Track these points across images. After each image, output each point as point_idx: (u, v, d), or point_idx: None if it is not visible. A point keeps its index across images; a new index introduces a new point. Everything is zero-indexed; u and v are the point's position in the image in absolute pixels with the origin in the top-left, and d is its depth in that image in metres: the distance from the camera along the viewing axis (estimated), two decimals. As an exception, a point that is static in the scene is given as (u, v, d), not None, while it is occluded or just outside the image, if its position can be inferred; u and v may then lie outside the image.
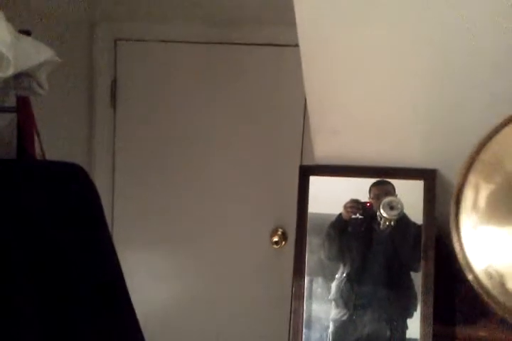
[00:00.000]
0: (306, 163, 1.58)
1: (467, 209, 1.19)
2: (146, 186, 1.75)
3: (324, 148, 1.55)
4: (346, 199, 1.56)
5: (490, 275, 1.15)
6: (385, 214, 1.50)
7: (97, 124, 1.70)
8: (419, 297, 1.44)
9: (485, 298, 1.14)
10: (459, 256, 1.18)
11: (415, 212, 1.47)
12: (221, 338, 1.66)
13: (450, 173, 1.43)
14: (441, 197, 1.40)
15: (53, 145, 1.17)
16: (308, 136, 1.59)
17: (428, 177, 1.45)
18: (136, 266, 1.01)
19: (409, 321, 1.51)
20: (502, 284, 1.15)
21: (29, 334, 0.77)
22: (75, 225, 0.88)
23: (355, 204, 1.55)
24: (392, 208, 1.49)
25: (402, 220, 1.49)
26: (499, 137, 1.17)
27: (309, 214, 1.57)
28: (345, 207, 1.55)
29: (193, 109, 1.71)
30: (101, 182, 0.97)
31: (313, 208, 1.57)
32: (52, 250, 0.83)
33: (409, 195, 1.50)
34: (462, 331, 1.39)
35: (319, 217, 1.59)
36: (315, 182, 1.57)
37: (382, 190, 1.54)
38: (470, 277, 1.16)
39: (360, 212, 1.54)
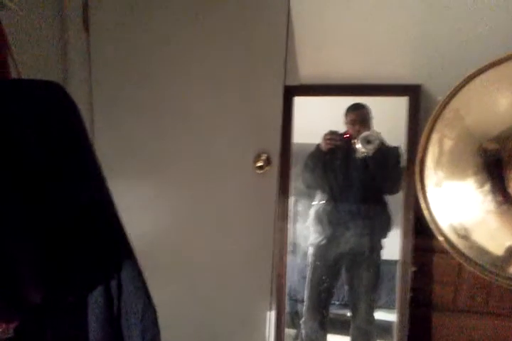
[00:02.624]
0: (289, 83, 1.55)
1: (431, 167, 1.20)
2: (125, 111, 1.70)
3: (309, 67, 1.52)
4: (332, 119, 1.57)
5: (455, 230, 1.19)
6: (362, 149, 1.52)
7: (69, 48, 1.62)
8: (400, 215, 1.50)
9: (452, 253, 1.18)
10: (425, 213, 1.20)
11: (397, 130, 1.49)
12: (205, 260, 1.71)
13: (434, 88, 1.42)
14: (425, 114, 1.40)
15: (26, 69, 1.11)
16: (291, 57, 1.54)
17: (412, 92, 1.44)
18: (119, 193, 1.00)
19: (384, 241, 1.59)
20: (467, 237, 1.19)
21: (17, 254, 0.78)
22: (57, 145, 0.85)
23: (333, 136, 1.55)
24: (369, 142, 1.51)
25: (380, 146, 1.51)
26: (460, 95, 1.16)
27: (293, 143, 1.59)
28: (324, 138, 1.56)
29: (169, 28, 1.62)
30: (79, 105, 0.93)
31: (297, 136, 1.58)
32: (36, 171, 0.81)
33: (393, 112, 1.50)
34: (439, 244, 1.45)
35: (302, 147, 1.60)
36: (299, 103, 1.56)
37: (357, 115, 1.55)
38: (437, 235, 1.19)
39: (339, 143, 1.55)
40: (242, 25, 1.56)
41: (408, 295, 1.50)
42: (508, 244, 1.18)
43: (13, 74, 1.03)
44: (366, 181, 1.58)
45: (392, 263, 1.56)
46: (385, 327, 1.60)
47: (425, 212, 1.23)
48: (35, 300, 0.78)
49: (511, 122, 1.15)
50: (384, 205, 1.58)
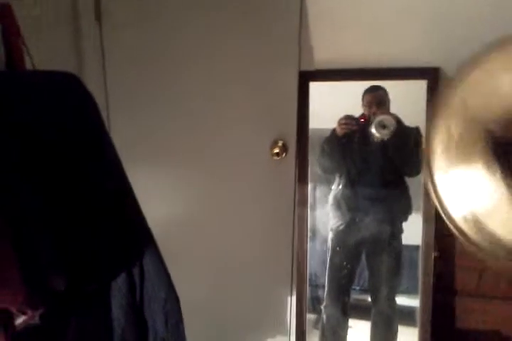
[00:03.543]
0: (304, 69, 1.53)
1: (439, 154, 1.18)
2: (141, 99, 1.71)
3: (324, 51, 1.49)
4: (349, 104, 1.54)
5: (467, 221, 1.16)
6: (377, 134, 1.50)
7: (82, 37, 1.63)
8: (421, 199, 1.48)
9: (463, 240, 1.16)
10: (435, 201, 1.18)
11: (416, 114, 1.46)
12: (225, 248, 1.72)
13: (452, 71, 1.39)
14: (444, 96, 1.38)
15: (39, 60, 1.12)
16: (306, 42, 1.52)
17: (431, 76, 1.41)
18: (136, 180, 1.00)
19: (404, 225, 1.58)
20: (480, 228, 1.16)
21: (40, 242, 0.79)
22: (75, 135, 0.86)
23: (349, 121, 1.53)
24: (384, 127, 1.48)
25: (398, 127, 1.49)
26: (466, 79, 1.13)
27: (309, 129, 1.57)
28: (339, 123, 1.54)
29: (181, 16, 1.62)
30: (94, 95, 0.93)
31: (313, 121, 1.56)
32: (55, 161, 0.82)
33: (412, 95, 1.48)
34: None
35: (318, 132, 1.58)
36: (315, 88, 1.53)
37: (374, 97, 1.52)
38: (449, 223, 1.17)
39: (355, 128, 1.53)
40: (255, 10, 1.54)
41: (431, 281, 1.49)
42: None
43: (28, 65, 1.04)
44: (385, 164, 1.56)
45: (413, 248, 1.54)
46: (407, 312, 1.60)
47: (435, 201, 1.21)
48: (59, 287, 0.79)
49: None
50: (404, 188, 1.56)
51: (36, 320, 0.77)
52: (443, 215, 1.18)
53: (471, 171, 1.16)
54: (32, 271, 0.74)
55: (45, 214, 0.78)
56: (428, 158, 1.19)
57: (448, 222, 1.18)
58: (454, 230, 1.17)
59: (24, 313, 0.74)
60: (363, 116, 1.53)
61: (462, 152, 1.17)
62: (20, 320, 0.74)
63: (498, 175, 1.15)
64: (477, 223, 1.16)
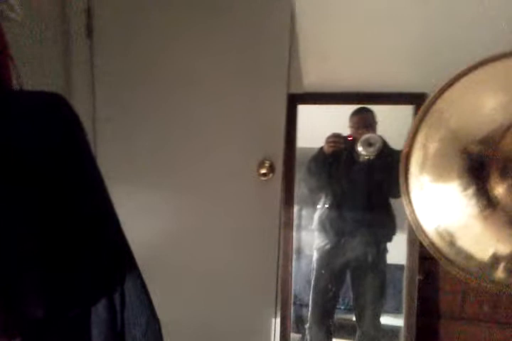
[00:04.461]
0: (293, 91, 1.54)
1: (416, 171, 1.19)
2: (129, 118, 1.70)
3: (313, 75, 1.51)
4: (337, 127, 1.55)
5: (441, 235, 1.17)
6: (363, 152, 1.50)
7: (72, 55, 1.62)
8: (406, 221, 1.48)
9: (439, 259, 1.16)
10: (410, 218, 1.18)
11: (402, 138, 1.46)
12: (210, 268, 1.71)
13: (440, 97, 1.41)
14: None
15: (28, 78, 1.11)
16: (295, 64, 1.53)
17: (417, 101, 1.42)
18: (122, 200, 0.99)
19: (389, 244, 1.58)
20: (453, 243, 1.17)
21: (19, 268, 0.77)
22: (59, 157, 0.85)
23: (337, 139, 1.54)
24: (370, 145, 1.49)
25: (383, 149, 1.50)
26: (444, 97, 1.15)
27: (296, 151, 1.57)
28: (327, 141, 1.55)
29: (172, 35, 1.62)
30: (81, 115, 0.92)
31: (300, 141, 1.57)
32: (36, 183, 0.81)
33: (399, 120, 1.49)
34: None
35: (305, 151, 1.59)
36: (303, 111, 1.55)
37: (361, 118, 1.53)
38: (422, 239, 1.17)
39: (342, 146, 1.54)
40: (246, 32, 1.55)
41: (415, 303, 1.49)
42: (492, 249, 1.16)
43: (15, 83, 1.03)
44: (370, 185, 1.57)
45: (398, 267, 1.54)
46: (392, 332, 1.59)
47: (411, 217, 1.21)
48: (38, 314, 0.77)
49: (495, 124, 1.13)
50: (389, 209, 1.56)
51: (13, 349, 0.75)
52: (416, 231, 1.18)
53: (446, 188, 1.17)
54: (9, 299, 0.72)
55: (23, 238, 0.77)
56: (404, 174, 1.20)
57: (422, 237, 1.18)
58: (428, 246, 1.17)
59: (0, 343, 0.72)
60: (350, 135, 1.54)
61: (438, 169, 1.18)
62: (-5, 350, 0.72)
63: (471, 192, 1.16)
64: (449, 238, 1.17)
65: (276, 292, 1.64)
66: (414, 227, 1.21)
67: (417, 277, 1.48)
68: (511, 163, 1.14)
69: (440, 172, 1.18)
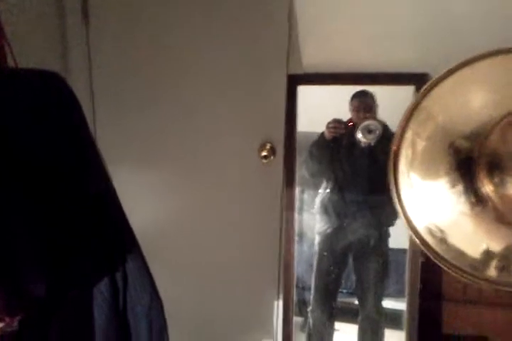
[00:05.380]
0: (292, 72, 1.53)
1: (405, 168, 1.18)
2: (128, 100, 1.69)
3: (313, 55, 1.49)
4: (337, 108, 1.54)
5: (432, 234, 1.17)
6: (363, 139, 1.50)
7: (69, 39, 1.61)
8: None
9: (430, 255, 1.16)
10: (401, 215, 1.18)
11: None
12: (211, 250, 1.71)
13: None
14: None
15: (25, 58, 1.10)
16: (294, 45, 1.52)
17: (419, 81, 1.40)
18: (123, 182, 0.99)
19: (391, 229, 1.58)
20: (444, 242, 1.17)
21: (20, 247, 0.77)
22: (57, 136, 0.84)
23: (337, 125, 1.53)
24: (369, 132, 1.49)
25: (384, 133, 1.49)
26: (431, 95, 1.14)
27: (297, 132, 1.56)
28: (327, 127, 1.54)
29: (170, 19, 1.61)
30: (79, 98, 0.91)
31: (301, 125, 1.56)
32: (35, 163, 0.80)
33: (399, 101, 1.47)
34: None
35: (306, 135, 1.58)
36: (303, 91, 1.53)
37: (362, 102, 1.52)
38: (413, 237, 1.17)
39: (343, 131, 1.53)
40: (244, 14, 1.54)
41: (418, 286, 1.49)
42: (483, 245, 1.16)
43: (10, 65, 1.02)
44: (372, 168, 1.56)
45: (400, 251, 1.54)
46: (394, 315, 1.60)
47: (401, 215, 1.21)
48: (39, 293, 0.77)
49: (482, 120, 1.12)
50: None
51: (15, 326, 0.75)
52: (408, 227, 1.19)
53: (435, 185, 1.16)
54: (10, 277, 0.72)
55: (24, 218, 0.76)
56: (393, 172, 1.19)
57: (413, 235, 1.18)
58: (419, 243, 1.18)
59: (1, 320, 0.72)
60: (351, 120, 1.53)
61: (426, 166, 1.18)
62: (-2, 327, 0.73)
63: (460, 189, 1.16)
64: (441, 235, 1.17)
65: (279, 275, 1.64)
66: (405, 225, 1.21)
67: (420, 259, 1.48)
68: (498, 159, 1.14)
69: (428, 169, 1.18)
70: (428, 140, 1.16)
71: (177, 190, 1.71)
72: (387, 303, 1.63)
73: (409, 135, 1.16)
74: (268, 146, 1.60)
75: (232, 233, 1.69)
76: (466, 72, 1.09)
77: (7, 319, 0.73)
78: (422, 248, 1.18)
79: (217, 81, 1.61)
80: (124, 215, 0.94)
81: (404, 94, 1.44)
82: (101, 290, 0.92)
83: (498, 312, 1.48)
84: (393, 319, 1.61)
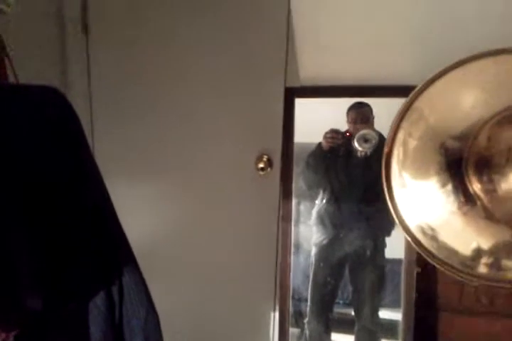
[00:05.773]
0: (290, 85, 1.54)
1: (396, 168, 1.20)
2: (126, 112, 1.70)
3: (310, 68, 1.50)
4: (334, 121, 1.55)
5: (424, 233, 1.18)
6: (359, 148, 1.51)
7: (69, 52, 1.62)
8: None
9: (423, 253, 1.17)
10: (394, 215, 1.20)
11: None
12: (208, 262, 1.71)
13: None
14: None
15: (23, 74, 1.10)
16: (292, 58, 1.53)
17: (415, 94, 1.42)
18: (119, 194, 1.00)
19: (387, 239, 1.58)
20: (436, 240, 1.18)
21: (16, 260, 0.77)
22: (55, 151, 0.85)
23: (335, 135, 1.54)
24: (366, 141, 1.49)
25: (381, 142, 1.49)
26: (423, 96, 1.16)
27: (294, 145, 1.55)
28: (325, 137, 1.55)
29: (169, 30, 1.62)
30: (78, 110, 0.92)
31: (298, 136, 1.56)
32: (31, 176, 0.81)
33: (395, 114, 1.48)
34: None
35: (303, 146, 1.59)
36: (300, 104, 1.53)
37: (359, 113, 1.53)
38: (406, 235, 1.18)
39: (340, 141, 1.54)
40: (242, 25, 1.55)
41: (413, 297, 1.49)
42: (473, 243, 1.17)
43: (11, 78, 1.02)
44: (368, 179, 1.56)
45: (396, 261, 1.55)
46: (390, 325, 1.59)
47: (393, 213, 1.22)
48: (36, 306, 0.77)
49: (472, 121, 1.14)
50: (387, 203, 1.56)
51: (11, 341, 0.75)
52: (400, 226, 1.20)
53: (425, 185, 1.18)
54: (6, 291, 0.72)
55: (21, 231, 0.76)
56: (386, 170, 1.20)
57: (405, 234, 1.19)
58: (411, 242, 1.18)
59: (-2, 336, 0.72)
60: (348, 130, 1.54)
61: (417, 166, 1.19)
62: (-7, 343, 0.72)
63: (449, 189, 1.17)
64: (432, 233, 1.17)
65: (275, 286, 1.64)
66: (397, 224, 1.22)
67: (415, 270, 1.48)
68: (487, 158, 1.15)
69: (419, 168, 1.19)
70: (419, 140, 1.17)
71: (173, 201, 1.71)
72: (384, 314, 1.62)
73: (401, 135, 1.18)
74: (265, 158, 1.61)
75: (229, 244, 1.69)
76: (457, 73, 1.11)
77: (3, 334, 0.73)
78: (415, 246, 1.19)
79: (215, 93, 1.62)
80: (121, 228, 0.94)
81: (399, 106, 1.44)
82: (97, 304, 0.91)
83: (494, 322, 1.47)
84: (389, 329, 1.60)
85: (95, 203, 0.90)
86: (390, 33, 1.45)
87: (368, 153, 1.51)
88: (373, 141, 1.49)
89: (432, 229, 1.19)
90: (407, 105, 1.16)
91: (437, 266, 1.18)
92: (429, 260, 1.18)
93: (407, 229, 1.20)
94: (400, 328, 1.53)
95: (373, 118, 1.52)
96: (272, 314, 1.68)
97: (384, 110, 1.49)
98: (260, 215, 1.63)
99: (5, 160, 0.77)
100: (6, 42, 1.05)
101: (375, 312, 1.63)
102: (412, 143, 1.18)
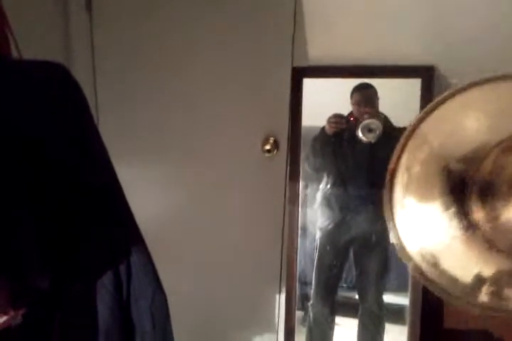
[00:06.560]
0: (297, 65, 1.51)
1: (400, 190, 1.18)
2: (131, 92, 1.68)
3: (318, 48, 1.48)
4: (342, 101, 1.52)
5: (424, 257, 1.17)
6: (364, 138, 1.49)
7: (72, 29, 1.60)
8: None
9: (423, 282, 1.16)
10: (395, 240, 1.18)
11: (409, 113, 1.44)
12: (214, 243, 1.71)
13: (447, 69, 1.39)
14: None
15: (27, 50, 1.09)
16: (299, 37, 1.50)
17: (425, 74, 1.40)
18: (127, 175, 0.99)
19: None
20: (436, 266, 1.16)
21: (24, 240, 0.76)
22: (60, 127, 0.83)
23: (338, 119, 1.51)
24: (370, 131, 1.47)
25: (386, 127, 1.47)
26: (428, 120, 1.14)
27: (302, 126, 1.54)
28: (328, 121, 1.52)
29: (178, 14, 1.59)
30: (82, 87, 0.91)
31: (306, 119, 1.54)
32: (38, 154, 0.79)
33: (406, 95, 1.46)
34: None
35: (309, 129, 1.56)
36: (308, 85, 1.51)
37: (363, 95, 1.50)
38: (407, 262, 1.17)
39: (344, 126, 1.51)
40: (250, 4, 1.53)
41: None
42: (475, 271, 1.16)
43: (14, 55, 1.00)
44: (374, 163, 1.55)
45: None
46: (396, 310, 1.60)
47: (394, 238, 1.21)
48: (43, 286, 0.77)
49: (476, 146, 1.13)
50: (393, 187, 1.55)
51: (19, 319, 0.74)
52: (401, 252, 1.18)
53: (429, 208, 1.16)
54: (14, 270, 0.72)
55: (28, 210, 0.75)
56: (389, 192, 1.19)
57: (405, 261, 1.18)
58: (412, 271, 1.18)
59: (6, 313, 0.72)
60: (351, 114, 1.51)
61: (421, 189, 1.17)
62: (1, 320, 0.72)
63: (452, 212, 1.16)
64: (433, 260, 1.16)
65: (281, 268, 1.64)
66: (397, 247, 1.20)
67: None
68: (490, 186, 1.14)
69: (423, 191, 1.18)
70: (424, 163, 1.16)
71: (180, 183, 1.71)
72: (389, 298, 1.62)
73: (405, 159, 1.17)
74: (271, 140, 1.59)
75: (235, 227, 1.69)
76: (461, 98, 1.10)
77: (11, 312, 0.72)
78: (414, 272, 1.18)
79: (221, 74, 1.60)
80: (129, 208, 0.93)
81: (410, 87, 1.43)
82: (104, 283, 0.91)
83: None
84: (395, 313, 1.60)
85: (103, 183, 0.89)
86: (398, 12, 1.43)
87: (373, 142, 1.49)
88: (377, 131, 1.47)
89: (433, 255, 1.18)
90: (412, 129, 1.15)
91: (436, 294, 1.17)
92: (430, 288, 1.16)
93: (406, 254, 1.18)
94: (407, 312, 1.53)
95: (378, 99, 1.49)
96: (278, 297, 1.68)
97: (393, 91, 1.47)
98: (266, 197, 1.63)
99: (7, 138, 0.76)
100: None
101: (379, 296, 1.63)
102: (416, 167, 1.17)
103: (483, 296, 1.13)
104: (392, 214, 1.18)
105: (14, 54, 1.00)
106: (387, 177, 1.18)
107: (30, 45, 1.10)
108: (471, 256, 1.16)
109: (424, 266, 1.16)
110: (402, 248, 1.17)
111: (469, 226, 1.15)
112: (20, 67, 0.86)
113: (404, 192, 1.18)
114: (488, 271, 1.14)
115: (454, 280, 1.15)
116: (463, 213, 1.15)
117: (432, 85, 1.39)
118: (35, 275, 0.77)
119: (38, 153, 0.79)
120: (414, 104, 1.42)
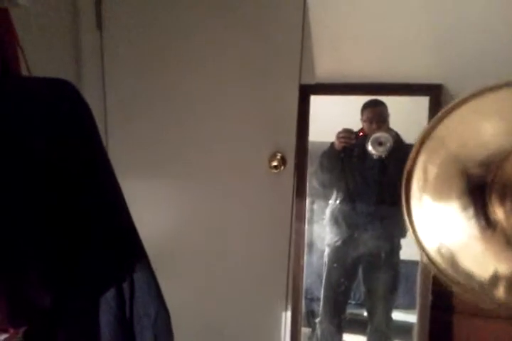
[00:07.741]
0: (305, 82, 1.52)
1: (417, 190, 1.18)
2: (138, 108, 1.70)
3: (326, 65, 1.48)
4: (350, 118, 1.52)
5: (442, 255, 1.16)
6: (374, 151, 1.48)
7: (83, 47, 1.62)
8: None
9: (440, 277, 1.16)
10: (412, 237, 1.18)
11: (417, 131, 1.43)
12: (221, 260, 1.71)
13: (455, 88, 1.39)
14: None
15: (37, 68, 1.10)
16: (307, 54, 1.51)
17: (433, 92, 1.39)
18: (132, 191, 0.99)
19: (403, 240, 1.55)
20: (454, 262, 1.16)
21: (25, 257, 0.76)
22: (67, 145, 0.84)
23: (347, 134, 1.50)
24: (380, 144, 1.46)
25: (396, 144, 1.46)
26: (444, 123, 1.14)
27: (308, 143, 1.54)
28: (337, 137, 1.52)
29: (183, 25, 1.61)
30: (92, 105, 0.91)
31: (312, 134, 1.54)
32: (46, 171, 0.80)
33: (414, 112, 1.46)
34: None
35: (317, 145, 1.56)
36: (315, 101, 1.51)
37: (374, 112, 1.49)
38: (424, 258, 1.17)
39: (353, 142, 1.50)
40: (258, 22, 1.54)
41: (429, 298, 1.47)
42: (492, 268, 1.15)
43: (24, 73, 1.02)
44: (383, 179, 1.54)
45: (412, 263, 1.52)
46: (403, 328, 1.57)
47: (412, 235, 1.21)
48: (45, 303, 0.77)
49: (496, 148, 1.13)
50: (402, 204, 1.54)
51: (19, 337, 0.74)
52: (418, 247, 1.18)
53: (447, 208, 1.16)
54: (15, 287, 0.72)
55: (32, 228, 0.76)
56: (406, 194, 1.19)
57: (423, 258, 1.17)
58: (429, 264, 1.17)
59: (6, 331, 0.71)
60: (362, 130, 1.51)
61: (438, 191, 1.17)
62: (1, 338, 0.72)
63: (471, 213, 1.15)
64: (450, 257, 1.16)
65: (287, 285, 1.63)
66: (416, 244, 1.20)
67: (432, 271, 1.45)
68: (510, 187, 1.14)
69: (440, 193, 1.18)
70: (441, 165, 1.16)
71: (186, 199, 1.71)
72: (397, 315, 1.60)
73: (421, 161, 1.17)
74: (278, 156, 1.59)
75: (241, 243, 1.68)
76: (478, 101, 1.10)
77: (11, 330, 0.72)
78: (432, 269, 1.18)
79: (229, 89, 1.61)
80: (133, 224, 0.93)
81: (419, 105, 1.42)
82: (107, 300, 0.91)
83: (510, 326, 1.45)
84: (403, 331, 1.58)
85: (107, 198, 0.89)
86: (407, 30, 1.43)
87: (383, 156, 1.48)
88: (388, 144, 1.46)
89: (451, 253, 1.17)
90: (427, 132, 1.15)
91: (454, 289, 1.17)
92: (448, 284, 1.16)
93: (424, 251, 1.18)
94: (415, 330, 1.51)
95: (388, 116, 1.49)
96: (284, 313, 1.67)
97: (401, 109, 1.46)
98: (273, 213, 1.62)
99: (15, 155, 0.77)
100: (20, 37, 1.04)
101: (388, 313, 1.61)
102: (433, 169, 1.17)
103: (501, 292, 1.13)
104: (408, 211, 1.18)
105: (24, 71, 1.02)
106: (404, 177, 1.18)
107: (42, 62, 1.12)
108: (488, 254, 1.15)
109: (441, 262, 1.16)
110: (419, 244, 1.17)
111: (488, 227, 1.15)
112: (29, 85, 0.88)
113: (420, 193, 1.18)
114: (505, 270, 1.13)
115: (470, 277, 1.14)
116: (482, 214, 1.14)
117: (440, 103, 1.39)
118: (36, 293, 0.77)
119: (42, 169, 0.80)
120: (422, 121, 1.41)
